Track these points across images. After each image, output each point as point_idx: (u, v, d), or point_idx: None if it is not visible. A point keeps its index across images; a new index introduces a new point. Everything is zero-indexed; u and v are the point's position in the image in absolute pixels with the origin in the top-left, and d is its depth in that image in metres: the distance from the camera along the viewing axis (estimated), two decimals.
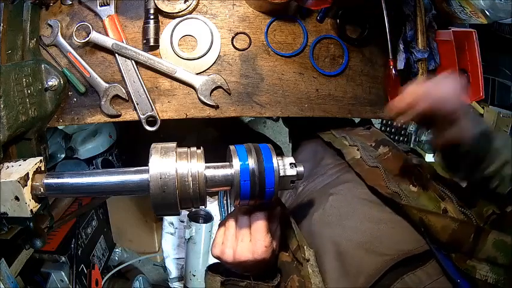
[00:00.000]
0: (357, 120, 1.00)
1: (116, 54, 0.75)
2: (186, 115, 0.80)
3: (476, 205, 0.57)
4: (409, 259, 0.52)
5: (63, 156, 1.67)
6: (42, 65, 0.71)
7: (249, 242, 0.56)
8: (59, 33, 0.74)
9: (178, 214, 0.54)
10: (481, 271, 0.47)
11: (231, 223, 0.59)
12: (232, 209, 0.63)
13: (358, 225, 0.60)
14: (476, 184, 0.58)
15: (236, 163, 0.52)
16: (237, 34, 0.80)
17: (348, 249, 0.57)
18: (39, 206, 0.52)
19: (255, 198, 0.54)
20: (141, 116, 0.77)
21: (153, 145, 0.53)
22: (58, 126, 1.20)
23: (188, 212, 1.54)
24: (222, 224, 0.61)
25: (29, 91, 0.66)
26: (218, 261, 0.60)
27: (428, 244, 0.53)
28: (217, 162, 0.55)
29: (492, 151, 0.54)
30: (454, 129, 0.53)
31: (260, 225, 0.56)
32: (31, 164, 0.52)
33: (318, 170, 0.83)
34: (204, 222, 1.52)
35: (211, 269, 0.65)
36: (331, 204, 0.67)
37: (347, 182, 0.70)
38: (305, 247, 0.59)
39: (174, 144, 0.54)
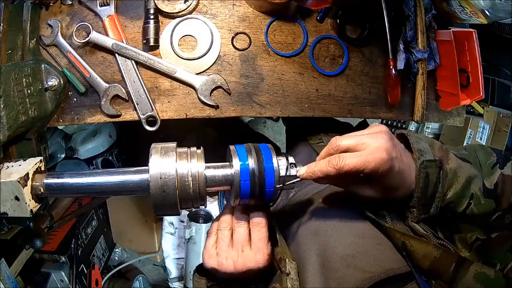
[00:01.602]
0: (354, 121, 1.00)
1: (116, 54, 0.75)
2: (186, 115, 0.80)
3: (460, 231, 0.55)
4: (390, 278, 0.51)
5: (63, 156, 1.67)
6: (42, 65, 0.71)
7: (249, 251, 0.55)
8: (59, 33, 0.74)
9: (178, 214, 0.53)
10: None
11: (225, 232, 0.57)
12: None
13: (344, 237, 0.58)
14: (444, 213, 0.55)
15: (236, 163, 0.52)
16: (237, 34, 0.80)
17: (331, 262, 0.55)
18: (39, 206, 0.52)
19: (254, 198, 0.54)
20: (141, 116, 0.77)
21: (153, 145, 0.53)
22: (58, 126, 1.20)
23: (188, 212, 1.54)
24: (211, 231, 0.58)
25: (29, 91, 0.66)
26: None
27: (409, 265, 0.52)
28: (217, 162, 0.55)
29: (448, 174, 0.52)
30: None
31: (263, 234, 0.55)
32: (31, 164, 0.52)
33: None
34: (204, 222, 1.52)
35: (199, 269, 0.64)
36: (321, 214, 0.65)
37: (338, 192, 0.68)
38: (286, 260, 0.56)
39: (174, 144, 0.54)
